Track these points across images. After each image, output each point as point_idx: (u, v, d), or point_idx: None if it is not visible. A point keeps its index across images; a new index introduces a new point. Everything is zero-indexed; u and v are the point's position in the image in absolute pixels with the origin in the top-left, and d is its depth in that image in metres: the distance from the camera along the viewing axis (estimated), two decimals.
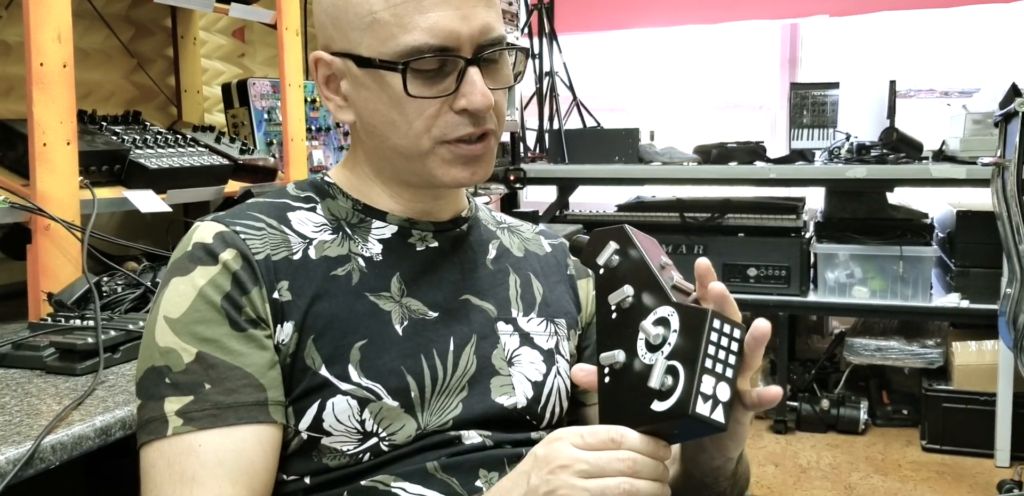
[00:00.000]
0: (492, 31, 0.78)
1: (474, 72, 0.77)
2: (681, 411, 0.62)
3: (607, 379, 0.70)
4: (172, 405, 0.73)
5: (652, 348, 0.67)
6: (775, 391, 0.69)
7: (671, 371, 0.64)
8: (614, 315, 0.72)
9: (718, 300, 0.68)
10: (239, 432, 0.74)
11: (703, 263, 0.70)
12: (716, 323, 0.65)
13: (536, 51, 3.58)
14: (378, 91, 0.79)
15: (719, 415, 0.63)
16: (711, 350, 0.64)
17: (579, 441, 0.66)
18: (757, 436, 3.05)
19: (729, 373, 0.65)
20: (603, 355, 0.70)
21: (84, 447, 0.84)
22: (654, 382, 0.64)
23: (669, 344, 0.66)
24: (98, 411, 0.89)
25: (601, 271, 0.75)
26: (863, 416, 3.05)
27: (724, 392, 0.64)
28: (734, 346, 0.66)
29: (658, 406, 0.64)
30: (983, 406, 2.79)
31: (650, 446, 0.65)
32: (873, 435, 3.06)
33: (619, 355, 0.69)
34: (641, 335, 0.68)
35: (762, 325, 0.67)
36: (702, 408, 0.62)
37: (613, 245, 0.75)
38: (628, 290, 0.71)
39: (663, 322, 0.67)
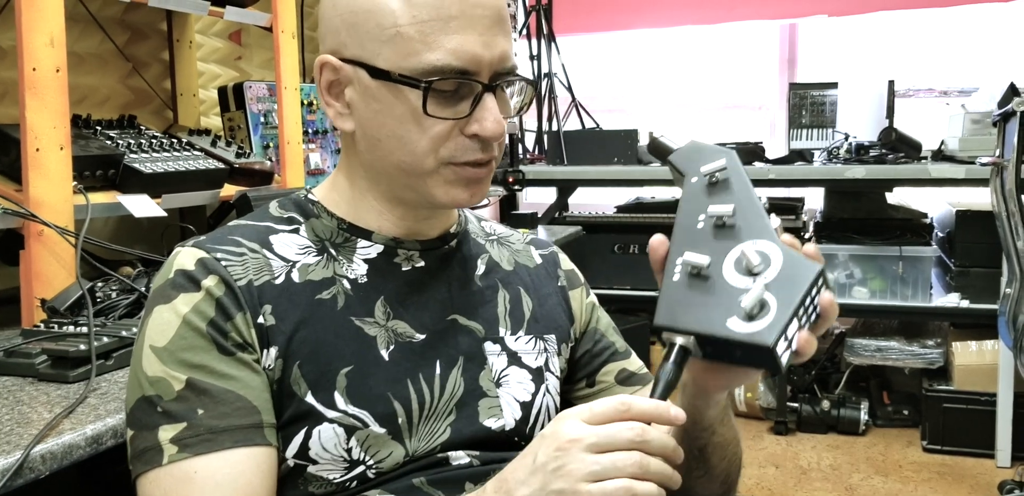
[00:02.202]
0: (508, 60, 0.78)
1: (490, 99, 0.77)
2: (763, 341, 0.64)
3: (678, 277, 0.70)
4: (166, 433, 0.72)
5: (745, 272, 0.69)
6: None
7: (763, 301, 0.66)
8: (701, 224, 0.73)
9: (816, 258, 0.70)
10: (235, 455, 0.73)
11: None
12: (819, 280, 0.69)
13: (535, 52, 3.58)
14: (390, 105, 0.77)
15: (785, 358, 0.66)
16: (806, 300, 0.67)
17: (587, 415, 0.64)
18: (758, 437, 3.05)
19: (807, 326, 0.69)
20: (688, 254, 0.70)
21: (75, 456, 0.83)
22: (746, 303, 0.66)
23: (765, 277, 0.68)
24: (89, 419, 0.88)
25: (695, 179, 0.76)
26: (864, 417, 3.04)
27: (795, 341, 0.67)
28: (816, 305, 0.69)
29: (738, 326, 0.66)
30: (984, 406, 2.78)
31: (660, 410, 0.64)
32: (874, 436, 3.05)
33: (704, 260, 0.70)
34: (734, 255, 0.70)
35: (830, 297, 0.70)
36: (780, 346, 0.65)
37: (723, 162, 0.76)
38: (729, 209, 0.72)
39: (763, 255, 0.69)
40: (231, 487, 0.72)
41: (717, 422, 0.81)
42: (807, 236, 3.10)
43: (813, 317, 0.69)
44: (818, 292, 0.69)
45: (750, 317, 0.66)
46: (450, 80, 0.75)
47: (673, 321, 0.68)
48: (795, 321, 0.66)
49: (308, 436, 0.76)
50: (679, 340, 0.68)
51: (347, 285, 0.82)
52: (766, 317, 0.65)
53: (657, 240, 0.73)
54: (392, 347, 0.81)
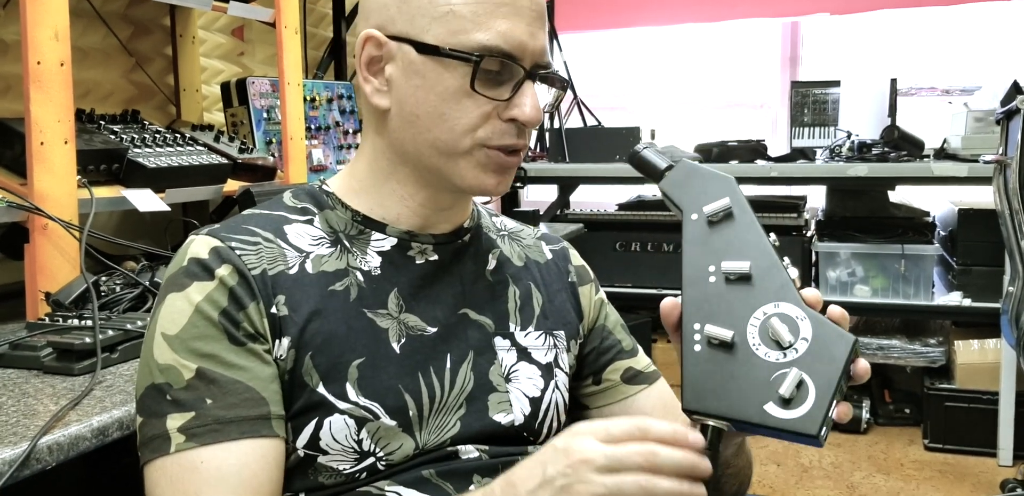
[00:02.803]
0: (547, 55, 0.81)
1: (530, 85, 0.79)
2: (807, 430, 0.63)
3: (699, 347, 0.68)
4: (174, 422, 0.73)
5: (773, 344, 0.66)
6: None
7: (799, 382, 0.64)
8: (713, 278, 0.69)
9: (844, 321, 0.68)
10: (241, 446, 0.73)
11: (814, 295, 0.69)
12: (853, 353, 0.66)
13: None
14: (435, 80, 0.77)
15: (825, 433, 0.64)
16: (842, 378, 0.65)
17: (603, 434, 0.64)
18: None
19: (840, 397, 0.66)
20: (710, 327, 0.67)
21: (81, 447, 0.83)
22: (784, 389, 0.64)
23: (796, 351, 0.65)
24: (95, 411, 0.88)
25: (695, 216, 0.71)
26: (865, 415, 3.04)
27: (833, 413, 0.65)
28: (850, 376, 0.67)
29: (776, 412, 0.64)
30: (986, 405, 2.78)
31: (678, 436, 0.64)
32: (875, 434, 3.05)
33: (727, 334, 0.67)
34: (758, 322, 0.67)
35: (865, 365, 0.68)
36: (823, 431, 0.63)
37: (727, 201, 0.71)
38: (745, 266, 0.68)
39: (790, 323, 0.66)
40: (236, 478, 0.72)
41: (733, 457, 0.82)
42: (809, 234, 3.10)
43: (845, 386, 0.66)
44: (852, 364, 0.66)
45: (787, 401, 0.64)
46: (496, 60, 0.76)
47: (705, 406, 0.66)
48: (834, 400, 0.64)
49: (319, 427, 0.76)
50: (711, 422, 0.66)
51: (360, 277, 0.82)
52: (806, 402, 0.63)
53: (669, 304, 0.71)
54: (403, 340, 0.81)
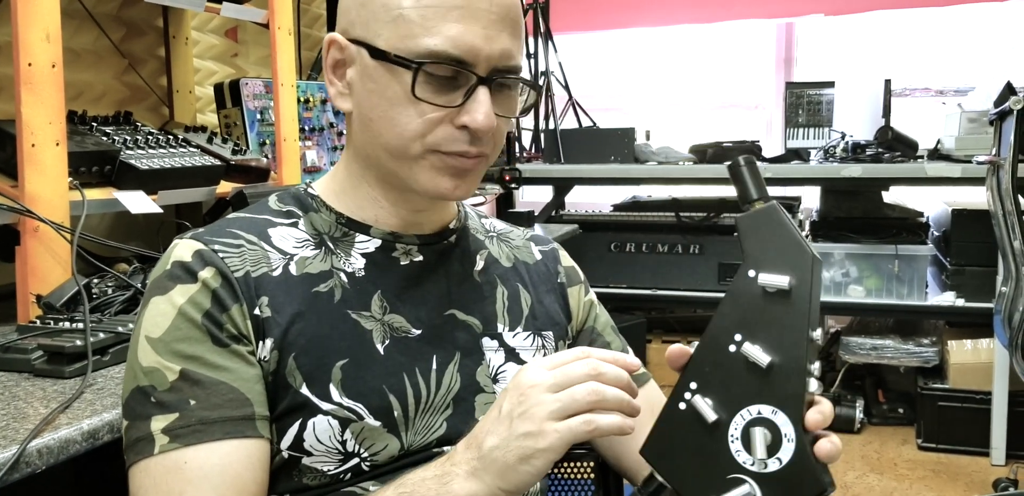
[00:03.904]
0: (511, 59, 0.78)
1: (483, 92, 0.77)
2: None
3: (684, 407, 0.67)
4: (158, 423, 0.72)
5: (747, 448, 0.64)
6: None
7: None
8: (733, 348, 0.65)
9: (830, 458, 0.65)
10: (225, 447, 0.73)
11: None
12: None
13: (531, 50, 3.58)
14: (384, 86, 0.77)
15: None
16: None
17: (548, 362, 0.68)
18: None
19: None
20: (700, 402, 0.65)
21: (71, 451, 0.83)
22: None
23: (765, 465, 0.63)
24: (86, 414, 0.88)
25: (752, 272, 0.66)
26: (859, 415, 3.05)
27: None
28: None
29: None
30: (979, 404, 2.79)
31: (617, 357, 0.68)
32: (869, 434, 3.06)
33: (710, 416, 0.65)
34: (745, 420, 0.64)
35: None
36: None
37: (786, 282, 0.64)
38: (763, 360, 0.64)
39: (775, 437, 0.63)
40: (220, 478, 0.72)
41: None
42: (804, 235, 3.10)
43: None
44: None
45: None
46: (444, 66, 0.75)
47: (661, 464, 0.67)
48: None
49: (303, 428, 0.76)
50: (660, 478, 0.68)
51: (344, 279, 0.82)
52: None
53: (675, 353, 0.69)
54: (387, 341, 0.81)
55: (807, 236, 3.07)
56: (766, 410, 0.64)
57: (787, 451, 0.63)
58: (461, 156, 0.78)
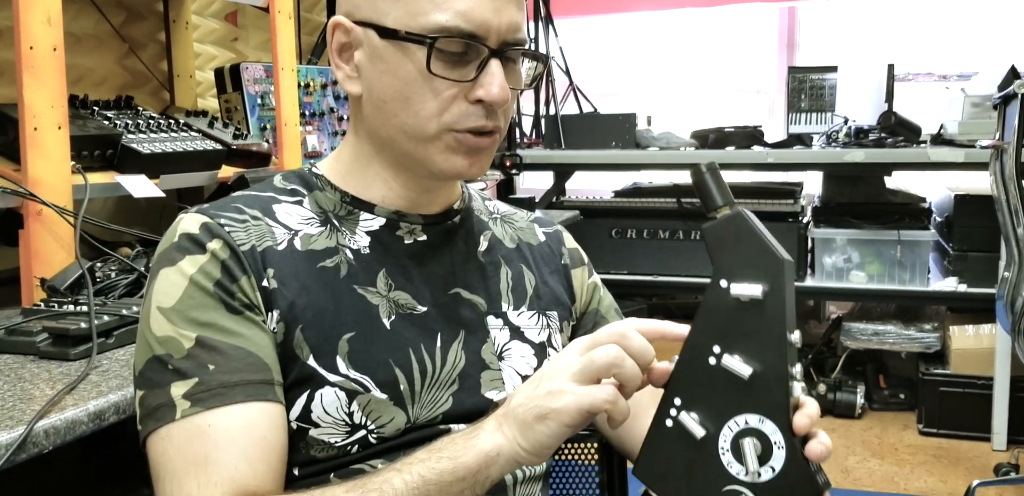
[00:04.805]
0: (518, 31, 0.79)
1: (495, 65, 0.77)
2: None
3: (671, 423, 0.66)
4: (178, 389, 0.72)
5: (738, 459, 0.64)
6: None
7: None
8: (712, 361, 0.65)
9: (821, 457, 0.65)
10: (248, 409, 0.72)
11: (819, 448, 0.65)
12: None
13: (532, 35, 3.56)
14: (397, 65, 0.77)
15: None
16: None
17: (587, 341, 0.69)
18: None
19: None
20: (686, 418, 0.65)
21: (77, 431, 0.83)
22: None
23: (759, 475, 0.63)
24: (92, 396, 0.88)
25: (724, 283, 0.65)
26: (860, 400, 3.06)
27: None
28: None
29: None
30: (980, 390, 2.80)
31: (657, 325, 0.69)
32: (870, 419, 3.07)
33: (698, 432, 0.65)
34: (734, 432, 0.64)
35: None
36: None
37: (759, 292, 0.63)
38: (745, 372, 0.63)
39: (765, 446, 0.63)
40: (246, 440, 0.72)
41: None
42: (805, 220, 3.10)
43: None
44: None
45: None
46: (456, 40, 0.75)
47: (654, 483, 0.67)
48: None
49: (310, 399, 0.77)
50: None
51: (350, 255, 0.82)
52: None
53: (659, 372, 0.68)
54: (393, 317, 0.82)
55: (808, 222, 3.08)
56: (753, 420, 0.64)
57: (779, 459, 0.63)
58: (475, 134, 0.79)
